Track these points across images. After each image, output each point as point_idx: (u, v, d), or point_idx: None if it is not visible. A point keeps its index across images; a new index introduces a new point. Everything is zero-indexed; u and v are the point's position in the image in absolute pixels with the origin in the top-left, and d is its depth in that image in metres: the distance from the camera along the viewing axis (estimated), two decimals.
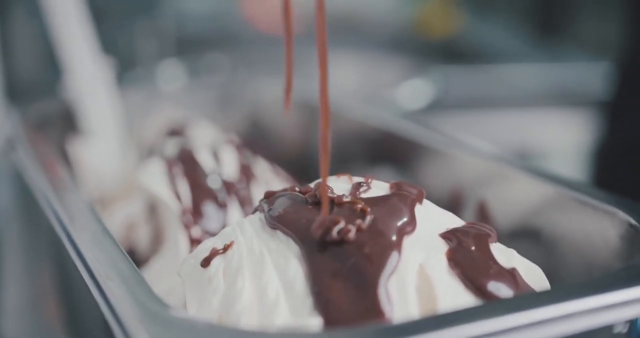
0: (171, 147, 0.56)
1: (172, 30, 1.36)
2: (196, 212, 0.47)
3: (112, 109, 0.67)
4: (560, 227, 0.45)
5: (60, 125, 0.67)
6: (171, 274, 0.45)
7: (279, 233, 0.35)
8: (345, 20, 1.61)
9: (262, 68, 1.12)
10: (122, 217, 0.57)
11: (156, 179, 0.49)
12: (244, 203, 0.49)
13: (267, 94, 0.74)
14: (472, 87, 1.18)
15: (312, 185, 0.39)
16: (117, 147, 0.67)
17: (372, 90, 0.97)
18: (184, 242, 0.46)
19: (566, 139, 1.21)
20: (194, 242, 0.46)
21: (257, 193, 0.50)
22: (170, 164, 0.50)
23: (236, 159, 0.52)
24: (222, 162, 0.51)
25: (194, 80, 0.84)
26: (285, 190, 0.39)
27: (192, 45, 1.36)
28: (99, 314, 0.35)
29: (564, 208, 0.45)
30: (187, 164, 0.50)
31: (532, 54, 1.48)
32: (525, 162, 0.51)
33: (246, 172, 0.51)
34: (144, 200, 0.56)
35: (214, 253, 0.36)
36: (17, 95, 0.98)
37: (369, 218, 0.35)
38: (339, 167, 0.40)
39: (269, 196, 0.39)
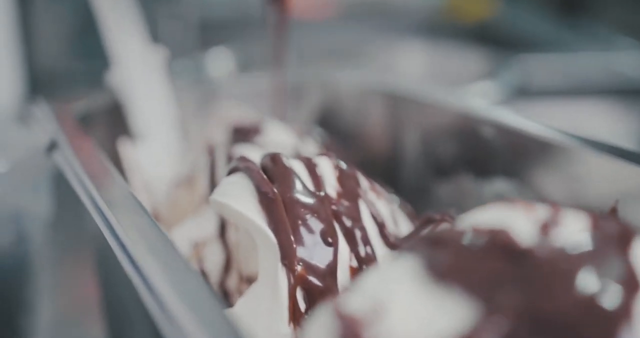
0: (252, 156, 0.46)
1: (195, 16, 1.28)
2: (299, 246, 0.37)
3: (167, 105, 0.57)
4: None
5: (107, 122, 0.58)
6: (267, 317, 0.36)
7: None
8: (376, 5, 1.53)
9: (308, 56, 1.03)
10: (186, 241, 0.48)
11: (245, 202, 0.39)
12: (353, 234, 0.39)
13: (340, 86, 0.64)
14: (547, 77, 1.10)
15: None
16: (175, 150, 0.58)
17: (449, 82, 0.88)
18: (284, 282, 0.36)
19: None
20: (298, 280, 0.36)
21: (367, 223, 0.41)
22: (259, 180, 0.40)
23: (335, 173, 0.42)
24: (320, 177, 0.41)
25: (248, 72, 0.75)
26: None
27: (217, 32, 1.27)
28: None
29: None
30: (282, 181, 0.40)
31: (573, 41, 1.41)
32: None
33: (351, 192, 0.41)
34: (216, 221, 0.47)
35: None
36: (40, 85, 0.89)
37: None
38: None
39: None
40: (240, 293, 0.44)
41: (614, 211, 0.40)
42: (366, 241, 0.40)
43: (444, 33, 1.49)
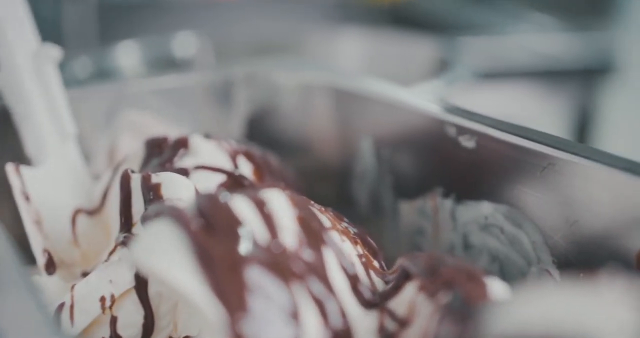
0: (180, 192, 0.36)
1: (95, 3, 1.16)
2: (253, 323, 0.27)
3: (64, 116, 0.46)
4: None
5: None
6: None
7: None
8: None
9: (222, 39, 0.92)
10: (92, 295, 0.37)
11: (178, 264, 0.29)
12: (321, 299, 0.30)
13: (276, 81, 0.54)
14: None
15: None
16: (78, 172, 0.47)
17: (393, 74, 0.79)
18: None
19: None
20: None
21: (337, 279, 0.31)
22: (195, 232, 0.29)
23: (291, 212, 0.33)
24: (274, 220, 0.31)
25: (161, 70, 0.64)
26: None
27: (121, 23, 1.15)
28: None
29: None
30: (226, 232, 0.30)
31: (495, 22, 1.36)
32: None
33: (314, 238, 0.32)
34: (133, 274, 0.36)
35: None
36: None
37: None
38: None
39: None
40: None
41: None
42: (338, 305, 0.31)
43: (358, 16, 1.41)
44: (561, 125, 1.27)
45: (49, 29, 1.17)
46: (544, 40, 1.25)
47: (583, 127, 1.27)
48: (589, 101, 1.27)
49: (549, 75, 1.22)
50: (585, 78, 1.25)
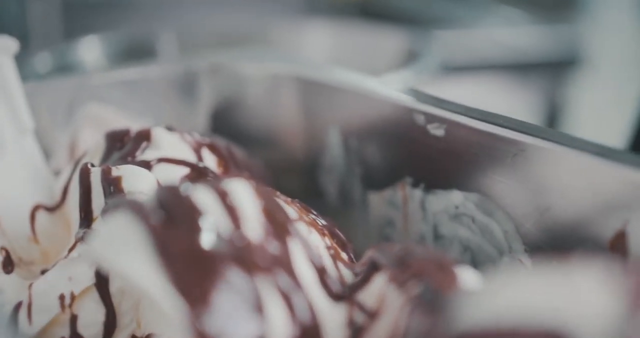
0: (140, 185, 0.35)
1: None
2: (217, 318, 0.26)
3: (21, 110, 0.45)
4: None
5: None
6: None
7: None
8: None
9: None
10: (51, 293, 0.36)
11: (138, 258, 0.27)
12: (287, 292, 0.29)
13: (241, 72, 0.53)
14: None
15: None
16: (36, 168, 0.45)
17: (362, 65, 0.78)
18: None
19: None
20: None
21: (304, 271, 0.30)
22: (155, 225, 0.28)
23: (256, 203, 0.31)
24: (238, 212, 0.30)
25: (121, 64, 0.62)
26: None
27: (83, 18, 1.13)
28: None
29: None
30: (188, 224, 0.28)
31: (464, 16, 1.36)
32: None
33: (279, 229, 0.31)
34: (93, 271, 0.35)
35: None
36: None
37: None
38: None
39: None
40: None
41: (621, 237, 0.31)
42: (305, 298, 0.29)
43: (327, 9, 1.40)
44: (530, 118, 1.28)
45: (14, 26, 1.14)
46: (512, 33, 1.25)
47: (552, 119, 1.28)
48: (558, 93, 1.28)
49: (518, 68, 1.23)
50: (553, 70, 1.26)
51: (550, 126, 1.27)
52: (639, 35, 1.35)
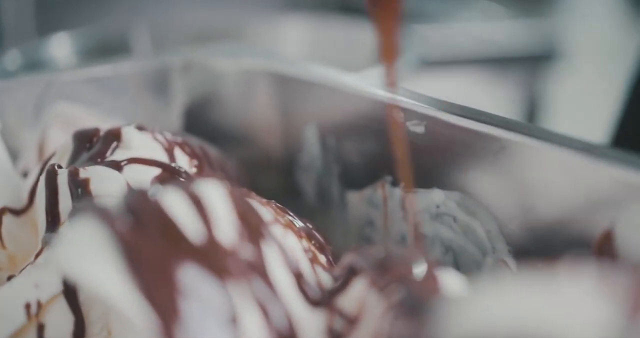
0: (107, 188, 0.34)
1: None
2: (187, 329, 0.25)
3: None
4: None
5: None
6: None
7: None
8: None
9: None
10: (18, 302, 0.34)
11: (104, 267, 0.26)
12: (263, 299, 0.27)
13: (215, 68, 0.51)
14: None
15: None
16: (4, 171, 0.43)
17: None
18: None
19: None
20: None
21: (280, 276, 0.29)
22: (122, 231, 0.27)
23: (229, 206, 0.30)
24: (210, 215, 0.29)
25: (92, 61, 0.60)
26: None
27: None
28: None
29: None
30: (157, 229, 0.27)
31: (441, 10, 1.35)
32: None
33: (254, 233, 0.29)
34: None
35: None
36: None
37: None
38: None
39: None
40: None
41: (608, 238, 0.30)
42: (281, 305, 0.28)
43: (303, 4, 1.39)
44: (509, 112, 1.27)
45: None
46: (490, 27, 1.25)
47: (531, 113, 1.28)
48: (536, 87, 1.28)
49: (496, 62, 1.22)
50: (531, 64, 1.26)
51: (530, 121, 1.27)
52: (617, 28, 1.35)
